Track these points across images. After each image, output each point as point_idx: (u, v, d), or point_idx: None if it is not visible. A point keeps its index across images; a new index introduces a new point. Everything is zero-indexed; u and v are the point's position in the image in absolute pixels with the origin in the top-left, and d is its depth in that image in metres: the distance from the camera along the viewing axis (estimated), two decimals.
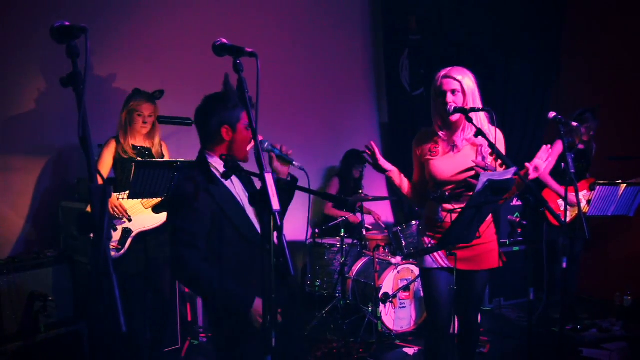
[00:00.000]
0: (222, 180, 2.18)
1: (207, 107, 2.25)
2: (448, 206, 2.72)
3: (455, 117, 2.64)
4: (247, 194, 2.29)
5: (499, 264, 2.85)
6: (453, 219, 2.63)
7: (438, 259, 2.76)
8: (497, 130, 2.70)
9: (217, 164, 2.24)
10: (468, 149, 2.72)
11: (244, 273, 2.19)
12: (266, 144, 2.25)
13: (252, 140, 2.19)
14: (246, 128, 2.23)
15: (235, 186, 2.27)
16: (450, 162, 2.71)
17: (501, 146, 2.76)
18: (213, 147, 2.25)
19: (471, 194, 2.65)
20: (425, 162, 2.78)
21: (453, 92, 2.63)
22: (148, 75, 4.37)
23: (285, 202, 2.37)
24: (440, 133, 2.75)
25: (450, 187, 2.72)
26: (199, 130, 2.29)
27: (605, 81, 5.47)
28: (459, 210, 2.58)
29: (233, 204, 2.20)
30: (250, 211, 2.27)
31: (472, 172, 2.65)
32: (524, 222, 5.26)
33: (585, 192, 4.54)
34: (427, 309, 2.94)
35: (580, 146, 4.69)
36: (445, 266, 2.75)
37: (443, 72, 2.69)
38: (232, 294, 2.13)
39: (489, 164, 2.66)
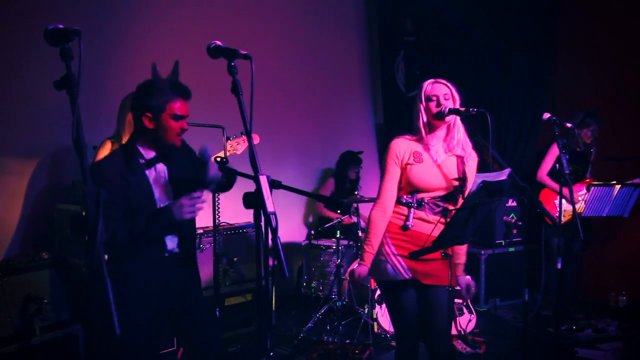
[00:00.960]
0: (144, 169, 2.28)
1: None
2: (421, 214, 2.65)
3: (449, 118, 2.64)
4: (167, 179, 2.36)
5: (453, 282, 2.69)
6: (436, 228, 2.62)
7: (401, 271, 2.62)
8: (470, 140, 2.73)
9: (144, 151, 2.30)
10: (451, 159, 2.71)
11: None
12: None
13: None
14: (172, 118, 2.26)
15: (157, 174, 2.33)
16: (434, 170, 2.66)
17: (473, 162, 2.75)
18: (139, 134, 2.31)
19: (445, 205, 2.66)
20: (407, 168, 2.65)
21: (444, 96, 2.64)
22: (143, 76, 4.35)
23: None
24: (426, 140, 2.69)
25: (429, 195, 2.66)
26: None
27: (601, 82, 5.49)
28: (438, 221, 2.61)
29: (145, 197, 2.27)
30: (161, 203, 2.34)
31: (456, 183, 2.64)
32: (520, 223, 5.30)
33: (584, 192, 4.56)
34: (394, 324, 2.78)
35: (579, 149, 4.72)
36: (408, 278, 2.62)
37: (431, 80, 2.69)
38: (150, 219, 2.23)
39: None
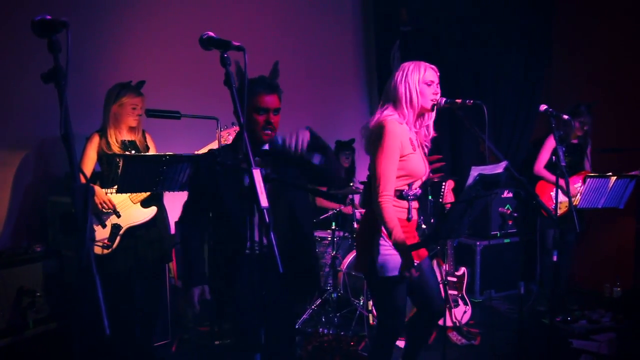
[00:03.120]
0: (239, 161, 2.28)
1: None
2: (415, 204, 2.67)
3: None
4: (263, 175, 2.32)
5: None
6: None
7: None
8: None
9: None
10: (420, 143, 2.73)
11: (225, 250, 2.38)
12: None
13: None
14: (255, 112, 2.31)
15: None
16: (421, 157, 2.67)
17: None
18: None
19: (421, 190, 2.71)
20: (407, 157, 2.56)
21: (437, 85, 2.64)
22: (135, 67, 4.32)
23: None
24: (413, 124, 2.65)
25: (418, 184, 2.68)
26: None
27: (597, 73, 5.46)
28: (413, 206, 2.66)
29: (233, 181, 2.31)
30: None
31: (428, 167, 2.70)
32: (515, 214, 5.30)
33: (579, 184, 4.53)
34: (389, 318, 2.73)
35: (574, 140, 4.69)
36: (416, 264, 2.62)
37: (424, 63, 2.65)
38: (186, 268, 2.41)
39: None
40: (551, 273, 4.65)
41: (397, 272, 2.52)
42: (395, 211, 2.53)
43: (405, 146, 2.56)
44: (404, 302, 2.69)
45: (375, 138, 2.57)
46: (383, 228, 2.53)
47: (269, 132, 2.31)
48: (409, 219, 2.62)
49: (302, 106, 5.72)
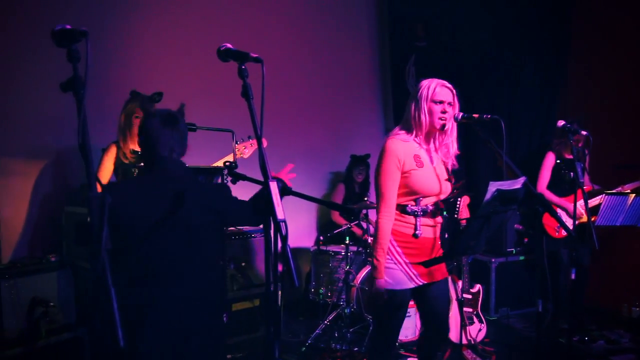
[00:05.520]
0: None
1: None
2: (427, 221, 2.62)
3: (449, 125, 2.59)
4: None
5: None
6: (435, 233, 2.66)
7: (414, 278, 2.58)
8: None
9: None
10: (440, 161, 2.68)
11: None
12: None
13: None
14: None
15: None
16: (433, 174, 2.61)
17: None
18: None
19: (442, 207, 2.67)
20: (410, 173, 2.56)
21: (448, 104, 2.58)
22: (151, 78, 4.36)
23: None
24: (422, 140, 2.63)
25: (431, 200, 2.63)
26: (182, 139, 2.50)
27: (614, 87, 5.41)
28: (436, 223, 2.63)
29: None
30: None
31: (449, 184, 2.65)
32: (530, 231, 5.22)
33: (582, 201, 4.45)
34: (387, 332, 2.69)
35: (569, 156, 4.57)
36: (421, 284, 2.60)
37: (437, 80, 2.60)
38: None
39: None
40: (565, 291, 4.57)
41: (400, 286, 2.57)
42: (401, 226, 2.60)
43: (408, 163, 2.56)
44: (403, 315, 2.66)
45: (379, 157, 2.64)
46: (396, 245, 2.59)
47: None
48: (415, 235, 2.58)
49: (316, 120, 5.74)
